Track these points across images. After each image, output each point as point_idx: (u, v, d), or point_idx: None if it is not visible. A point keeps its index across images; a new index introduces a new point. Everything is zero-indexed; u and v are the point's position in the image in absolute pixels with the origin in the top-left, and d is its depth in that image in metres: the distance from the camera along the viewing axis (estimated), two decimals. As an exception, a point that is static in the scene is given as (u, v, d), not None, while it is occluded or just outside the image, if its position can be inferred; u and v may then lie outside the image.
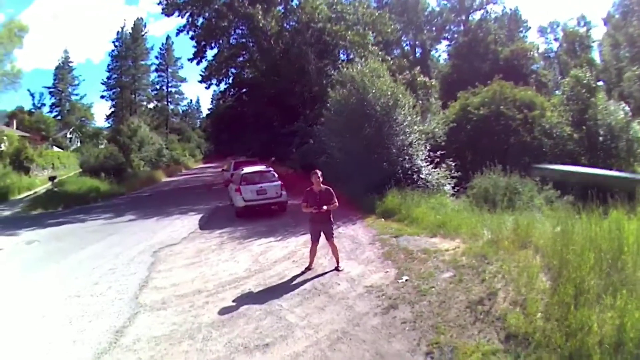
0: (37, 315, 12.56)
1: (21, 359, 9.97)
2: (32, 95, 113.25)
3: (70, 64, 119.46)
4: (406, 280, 11.78)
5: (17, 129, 78.83)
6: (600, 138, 31.12)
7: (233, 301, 12.15)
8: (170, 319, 11.39)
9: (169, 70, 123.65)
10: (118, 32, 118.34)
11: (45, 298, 14.08)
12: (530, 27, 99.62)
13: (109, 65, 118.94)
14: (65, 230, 28.49)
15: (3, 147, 61.91)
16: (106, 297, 13.73)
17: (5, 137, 64.35)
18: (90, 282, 15.51)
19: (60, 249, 22.31)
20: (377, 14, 52.35)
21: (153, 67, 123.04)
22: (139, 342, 10.18)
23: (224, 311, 11.47)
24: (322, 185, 13.60)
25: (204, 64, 57.65)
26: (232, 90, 58.76)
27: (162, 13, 57.63)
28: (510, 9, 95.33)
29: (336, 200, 13.65)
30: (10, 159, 58.51)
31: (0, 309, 13.32)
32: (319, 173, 13.65)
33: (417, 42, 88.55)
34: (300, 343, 9.31)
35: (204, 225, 25.45)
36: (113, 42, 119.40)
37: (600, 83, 37.14)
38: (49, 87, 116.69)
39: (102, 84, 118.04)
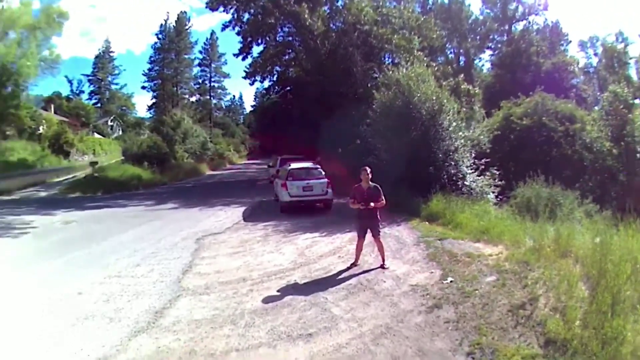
0: (72, 292, 12.69)
1: (54, 334, 9.93)
2: (69, 82, 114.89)
3: (111, 54, 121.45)
4: (451, 281, 11.81)
5: (55, 113, 79.67)
6: (638, 155, 30.72)
7: (278, 291, 12.20)
8: (213, 304, 11.47)
9: (213, 65, 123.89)
10: (161, 24, 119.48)
11: (83, 276, 14.18)
12: (570, 41, 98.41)
13: (151, 57, 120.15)
14: (105, 214, 29.16)
15: (41, 130, 62.51)
16: (147, 278, 13.89)
17: (44, 120, 64.96)
18: (132, 263, 15.73)
19: (100, 231, 22.66)
20: (422, 18, 51.98)
21: (196, 62, 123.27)
22: (178, 323, 10.27)
23: (268, 300, 11.54)
24: (370, 182, 13.78)
25: (249, 60, 57.67)
26: (276, 87, 59.14)
27: (206, 7, 57.25)
28: (552, 22, 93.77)
29: (383, 199, 13.92)
30: (49, 142, 59.02)
31: (35, 286, 13.48)
32: (368, 170, 13.91)
33: (461, 50, 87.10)
34: (344, 335, 9.30)
35: (248, 217, 25.58)
36: (156, 34, 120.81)
37: (637, 101, 36.79)
38: (87, 75, 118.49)
39: (144, 74, 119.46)
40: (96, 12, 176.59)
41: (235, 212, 27.31)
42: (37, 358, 8.92)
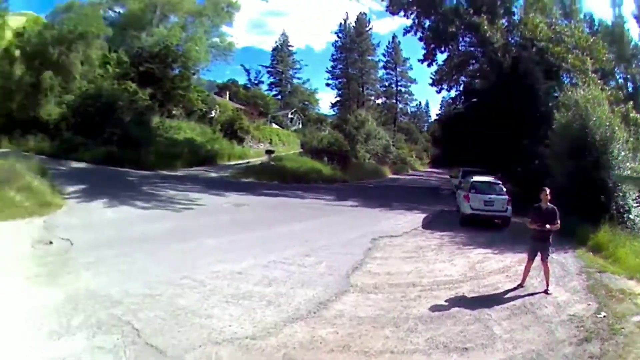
0: (233, 271, 13.38)
1: (204, 308, 10.48)
2: (247, 71, 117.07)
3: (289, 48, 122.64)
4: (604, 316, 11.62)
5: (230, 100, 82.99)
6: None
7: (445, 301, 12.30)
8: (380, 304, 11.65)
9: (398, 69, 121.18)
10: (340, 23, 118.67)
11: (246, 258, 14.89)
12: None
13: (333, 55, 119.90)
14: (280, 202, 30.55)
15: (214, 114, 64.48)
16: (315, 269, 14.33)
17: (217, 105, 67.06)
18: (301, 252, 16.22)
19: (273, 218, 24.08)
20: (591, 39, 49.84)
21: (381, 64, 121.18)
22: (340, 317, 10.50)
23: (435, 308, 11.64)
24: (548, 204, 13.87)
25: (434, 67, 58.61)
26: (461, 98, 58.52)
27: (386, 10, 58.94)
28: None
29: (558, 222, 13.81)
30: (221, 126, 60.83)
31: (193, 261, 14.21)
32: (548, 191, 14.06)
33: (628, 76, 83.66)
34: (497, 355, 9.37)
35: (427, 224, 25.55)
36: (336, 33, 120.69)
37: None
38: (266, 67, 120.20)
39: (327, 72, 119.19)
40: (268, 6, 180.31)
41: (415, 218, 27.25)
42: (179, 331, 9.30)
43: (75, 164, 38.24)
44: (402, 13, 56.29)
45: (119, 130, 44.99)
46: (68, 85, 50.28)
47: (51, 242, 15.39)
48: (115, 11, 62.87)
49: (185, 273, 12.86)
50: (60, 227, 17.48)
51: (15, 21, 53.47)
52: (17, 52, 49.67)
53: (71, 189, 25.73)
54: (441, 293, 12.86)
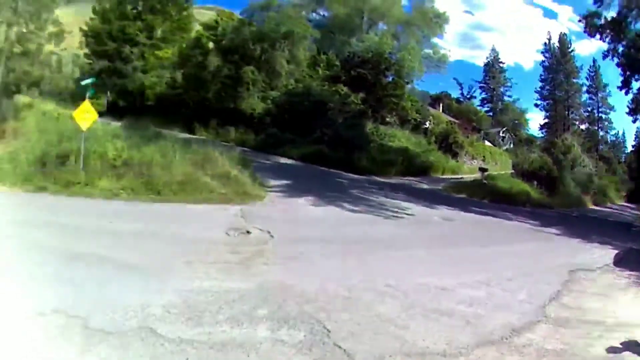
0: (437, 286, 13.04)
1: (392, 319, 10.55)
2: (459, 85, 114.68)
3: (500, 64, 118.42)
4: None
5: (442, 112, 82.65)
6: None
7: (620, 343, 11.30)
8: (566, 338, 11.00)
9: (599, 95, 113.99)
10: (545, 43, 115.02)
11: (452, 274, 14.50)
12: None
13: (541, 75, 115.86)
14: (488, 221, 28.84)
15: (428, 125, 65.04)
16: (515, 295, 13.60)
17: (431, 117, 67.48)
18: (505, 276, 15.45)
19: (480, 236, 22.80)
20: None
21: (584, 88, 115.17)
22: (529, 347, 10.01)
23: (610, 350, 10.74)
24: None
25: (630, 95, 55.52)
26: (649, 131, 54.94)
27: (584, 32, 56.27)
28: None
29: None
30: (436, 138, 60.60)
31: (398, 273, 14.05)
32: None
33: None
34: None
35: (618, 261, 22.85)
36: (542, 52, 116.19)
37: None
38: (478, 82, 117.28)
39: (536, 92, 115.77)
40: (476, 19, 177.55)
41: (607, 253, 24.68)
42: (371, 337, 9.54)
43: (282, 160, 39.12)
44: (597, 36, 54.63)
45: (330, 131, 45.30)
46: (272, 82, 53.21)
47: (249, 232, 15.49)
48: (319, 14, 64.45)
49: (389, 281, 13.07)
50: (260, 218, 17.65)
51: (201, 15, 57.00)
52: (211, 45, 52.89)
53: (275, 182, 26.12)
54: (620, 335, 11.93)
